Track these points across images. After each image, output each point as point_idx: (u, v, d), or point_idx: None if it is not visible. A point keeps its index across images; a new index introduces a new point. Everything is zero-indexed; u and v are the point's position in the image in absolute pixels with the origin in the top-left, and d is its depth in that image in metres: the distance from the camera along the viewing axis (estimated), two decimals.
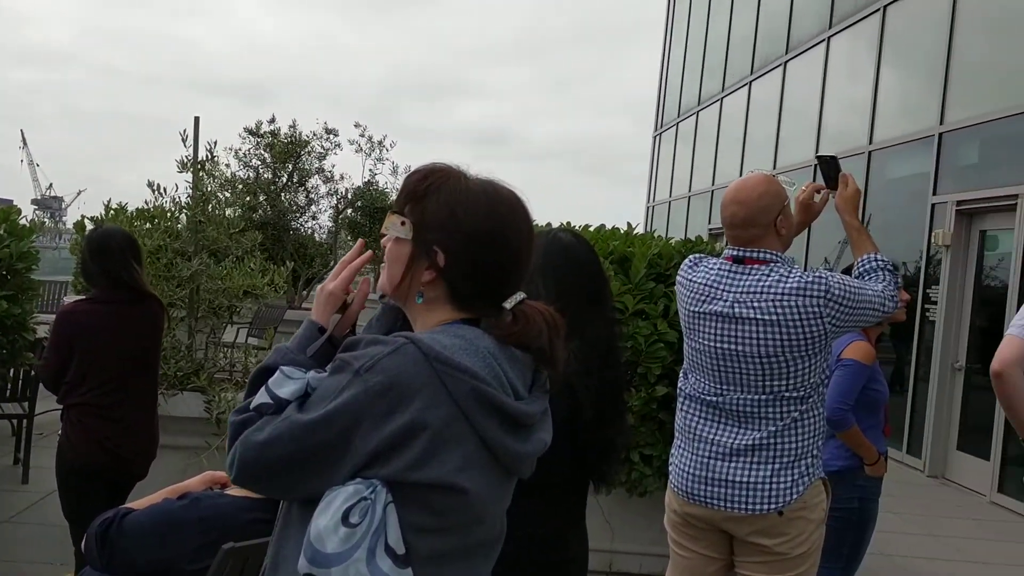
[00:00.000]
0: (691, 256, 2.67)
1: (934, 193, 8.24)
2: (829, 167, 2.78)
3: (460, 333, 1.29)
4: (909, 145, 8.85)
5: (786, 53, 12.42)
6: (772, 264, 2.46)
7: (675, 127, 18.48)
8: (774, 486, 2.43)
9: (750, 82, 13.88)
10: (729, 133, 14.77)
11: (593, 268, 2.17)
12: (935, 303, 8.06)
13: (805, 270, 2.49)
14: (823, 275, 2.41)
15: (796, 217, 2.78)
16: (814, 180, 3.02)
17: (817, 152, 2.77)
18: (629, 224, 4.94)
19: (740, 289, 2.46)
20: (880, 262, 2.60)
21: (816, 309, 2.37)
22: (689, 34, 18.14)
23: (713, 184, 15.17)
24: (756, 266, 2.47)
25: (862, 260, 2.63)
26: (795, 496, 2.43)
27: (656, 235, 5.07)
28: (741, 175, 11.46)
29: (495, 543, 1.38)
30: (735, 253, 2.52)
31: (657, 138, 20.10)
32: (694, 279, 2.57)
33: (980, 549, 5.89)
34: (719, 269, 2.53)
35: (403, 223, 1.35)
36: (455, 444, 1.23)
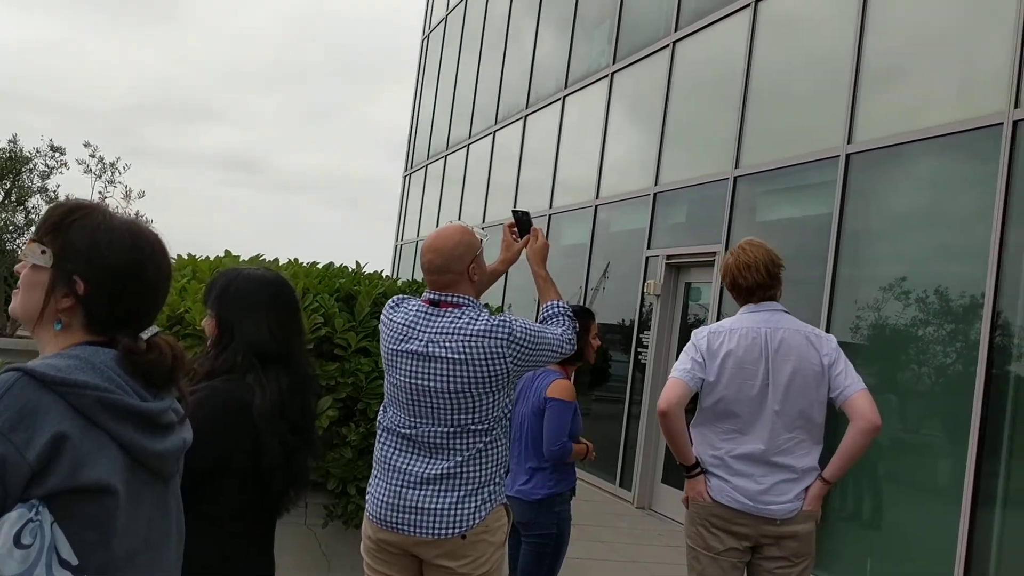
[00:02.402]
0: (394, 297, 2.86)
1: (648, 247, 9.03)
2: (522, 221, 3.07)
3: (75, 354, 1.39)
4: (630, 202, 9.64)
5: (527, 107, 13.14)
6: (464, 308, 2.70)
7: (424, 168, 18.93)
8: (459, 512, 2.64)
9: (494, 132, 14.53)
10: (475, 178, 15.35)
11: (285, 305, 2.30)
12: (647, 347, 8.79)
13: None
14: (508, 319, 2.67)
15: (500, 255, 3.05)
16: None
17: (514, 207, 3.09)
18: (358, 263, 5.09)
19: (434, 330, 2.67)
20: (562, 308, 2.90)
21: (500, 350, 2.63)
22: (440, 79, 18.70)
23: (483, 221, 15.63)
24: (449, 309, 2.70)
25: (547, 306, 2.92)
26: (478, 521, 2.66)
27: (384, 275, 5.25)
28: (484, 219, 11.93)
29: (161, 549, 1.47)
30: (431, 296, 2.73)
31: (407, 178, 20.48)
32: (394, 319, 2.76)
33: (672, 573, 6.46)
34: (417, 311, 2.73)
35: (43, 251, 1.43)
36: (97, 452, 1.32)
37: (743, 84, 7.74)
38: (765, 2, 7.68)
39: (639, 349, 8.98)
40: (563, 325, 2.84)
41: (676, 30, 9.06)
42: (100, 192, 17.51)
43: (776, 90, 7.49)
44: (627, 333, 9.32)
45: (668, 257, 8.66)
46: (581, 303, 10.44)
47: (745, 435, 3.16)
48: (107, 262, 1.43)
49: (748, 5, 7.83)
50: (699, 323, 8.32)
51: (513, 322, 2.66)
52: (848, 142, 6.38)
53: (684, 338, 8.52)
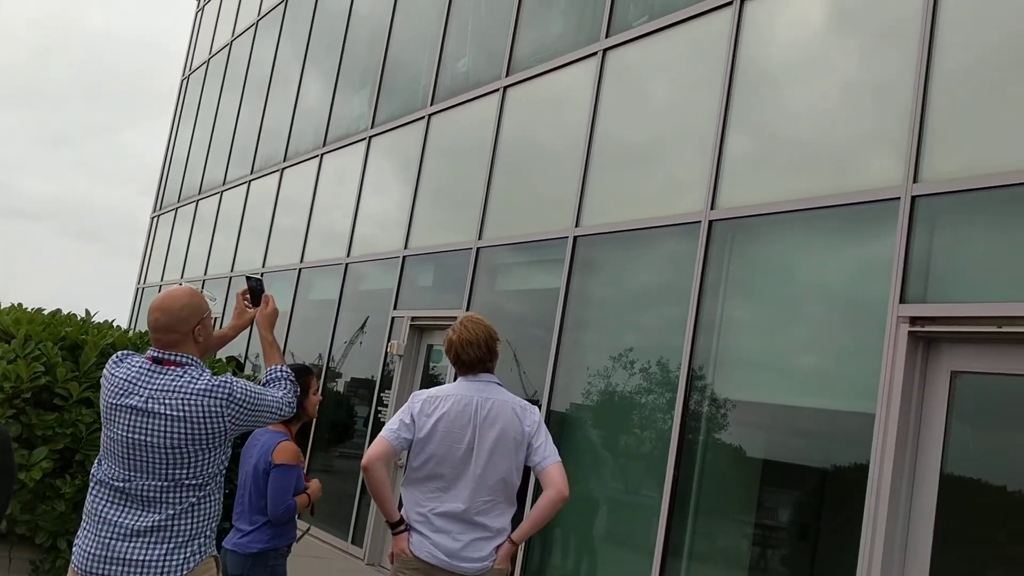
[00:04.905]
0: (119, 352, 2.94)
1: (394, 308, 9.32)
2: (255, 288, 3.25)
3: None
4: (380, 262, 9.91)
5: (285, 160, 13.18)
6: (187, 367, 2.83)
7: (175, 210, 18.34)
8: (167, 563, 2.73)
9: (250, 180, 14.40)
10: (226, 226, 15.08)
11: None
12: (387, 405, 9.02)
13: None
14: (229, 380, 2.83)
15: (232, 321, 3.21)
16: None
17: (247, 275, 3.24)
18: (87, 311, 4.99)
19: (155, 387, 2.78)
20: (284, 372, 3.09)
21: (219, 409, 2.77)
22: (198, 121, 18.29)
23: (205, 274, 15.29)
24: (172, 367, 2.82)
25: (270, 370, 3.10)
26: (185, 572, 2.76)
27: (116, 324, 5.18)
28: (233, 269, 11.75)
29: None
30: (155, 354, 2.84)
31: (155, 219, 19.72)
32: (116, 374, 2.84)
33: None
34: (140, 367, 2.83)
35: None
36: None
37: (490, 159, 8.28)
38: (515, 86, 8.29)
39: (379, 407, 9.19)
40: (284, 389, 3.03)
41: (432, 103, 9.52)
42: None
43: (520, 168, 8.07)
44: (369, 391, 9.52)
45: (413, 319, 8.98)
46: (327, 358, 10.53)
47: (448, 494, 3.47)
48: None
49: (498, 90, 8.42)
50: (439, 383, 8.66)
51: (234, 383, 2.82)
52: (576, 225, 7.00)
53: None
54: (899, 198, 4.67)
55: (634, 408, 6.27)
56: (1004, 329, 4.07)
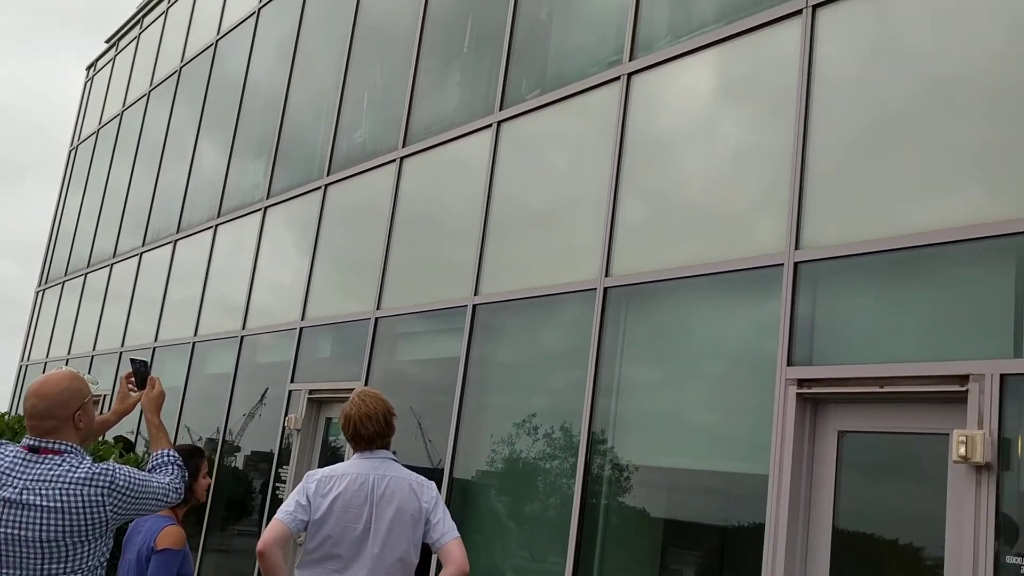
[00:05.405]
0: None
1: (292, 381, 9.14)
2: (140, 371, 3.15)
3: None
4: (277, 334, 9.73)
5: (178, 232, 12.90)
6: (65, 455, 2.70)
7: (62, 284, 17.70)
8: None
9: (141, 252, 14.04)
10: (117, 299, 14.62)
11: None
12: (285, 482, 8.78)
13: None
14: (111, 467, 2.71)
15: (115, 405, 3.09)
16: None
17: (131, 357, 3.14)
18: None
19: (31, 477, 2.64)
20: (171, 457, 2.99)
21: (100, 498, 2.65)
22: (87, 192, 17.80)
23: (94, 349, 14.75)
24: (50, 456, 2.69)
25: (157, 455, 2.99)
26: None
27: None
28: (123, 344, 11.34)
29: None
30: (31, 442, 2.71)
31: (41, 294, 18.98)
32: None
33: None
34: (14, 457, 2.69)
35: None
36: None
37: (388, 229, 8.28)
38: (411, 156, 8.35)
39: (277, 484, 8.94)
40: (171, 474, 2.92)
41: (329, 173, 9.50)
42: None
43: (418, 237, 8.08)
44: (268, 465, 9.26)
45: (311, 391, 8.82)
46: (223, 433, 10.22)
47: (345, 575, 3.38)
48: None
49: (395, 160, 8.46)
50: (338, 458, 8.49)
51: (116, 471, 2.71)
52: (475, 293, 7.03)
53: None
54: (783, 264, 4.85)
55: (537, 473, 6.26)
56: (886, 389, 4.24)
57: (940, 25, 4.56)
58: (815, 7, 5.12)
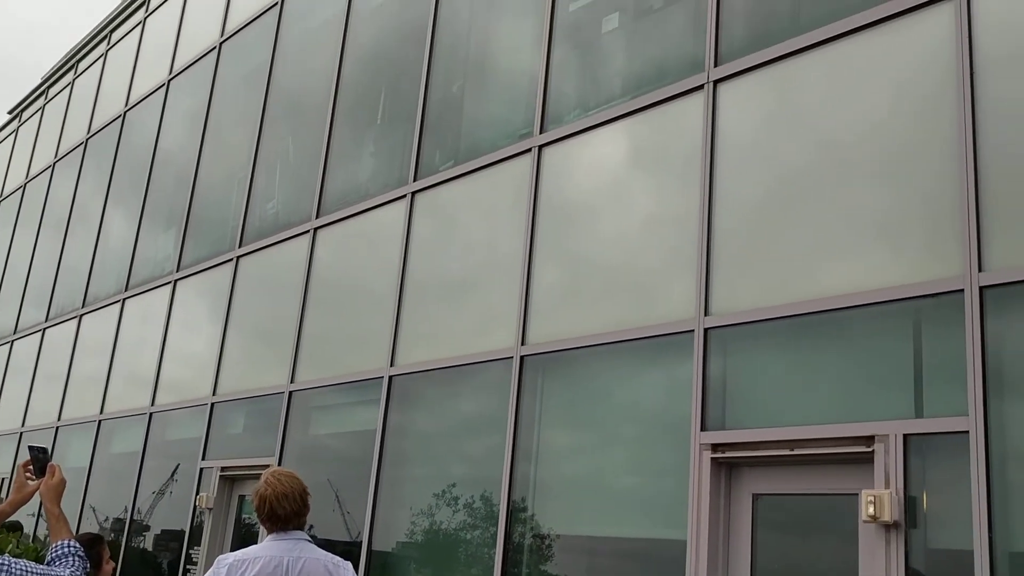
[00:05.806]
0: None
1: (203, 458, 8.87)
2: (39, 458, 3.03)
3: None
4: (187, 411, 9.46)
5: (83, 306, 12.53)
6: None
7: None
8: None
9: (44, 328, 13.58)
10: (17, 375, 14.09)
11: None
12: (196, 563, 8.47)
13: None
14: (7, 561, 2.59)
15: (12, 495, 2.96)
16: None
17: (31, 444, 3.04)
18: None
19: None
20: (72, 548, 2.86)
21: None
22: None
23: (23, 426, 14.11)
24: None
25: (56, 546, 2.87)
26: None
27: None
28: (24, 423, 10.86)
29: None
30: None
31: None
32: None
33: None
34: None
35: None
36: None
37: (302, 300, 8.18)
38: (325, 227, 8.31)
39: (188, 566, 8.61)
40: (72, 566, 2.80)
41: (241, 245, 9.38)
42: None
43: (332, 309, 8.01)
44: (179, 544, 8.92)
45: (223, 469, 8.57)
46: (131, 514, 9.83)
47: None
48: None
49: (309, 231, 8.41)
50: (253, 537, 8.24)
51: (12, 566, 2.58)
52: (391, 364, 6.98)
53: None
54: (693, 330, 4.95)
55: (458, 544, 6.17)
56: (796, 452, 4.33)
57: (833, 95, 4.78)
58: (716, 82, 5.32)
